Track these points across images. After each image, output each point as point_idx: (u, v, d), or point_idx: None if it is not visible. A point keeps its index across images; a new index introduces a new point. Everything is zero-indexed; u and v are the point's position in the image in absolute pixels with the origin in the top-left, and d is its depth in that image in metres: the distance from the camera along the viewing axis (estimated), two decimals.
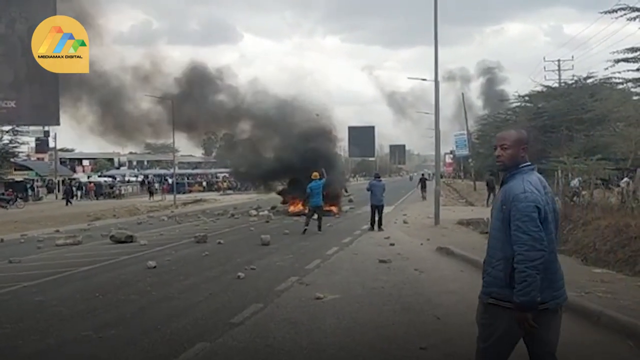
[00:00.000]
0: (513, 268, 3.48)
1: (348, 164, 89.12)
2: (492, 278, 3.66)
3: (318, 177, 19.17)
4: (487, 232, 17.96)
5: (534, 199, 3.51)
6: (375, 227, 18.12)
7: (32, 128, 54.13)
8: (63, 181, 54.27)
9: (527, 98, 49.31)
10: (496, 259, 3.63)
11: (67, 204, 40.30)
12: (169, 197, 42.99)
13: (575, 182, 17.22)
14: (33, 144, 63.73)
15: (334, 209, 25.68)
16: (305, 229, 17.56)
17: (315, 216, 18.54)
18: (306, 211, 24.66)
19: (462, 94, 57.11)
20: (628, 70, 34.44)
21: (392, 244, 14.10)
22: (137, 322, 7.08)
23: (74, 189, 48.22)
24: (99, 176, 61.71)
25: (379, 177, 20.34)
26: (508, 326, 3.59)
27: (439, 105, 21.53)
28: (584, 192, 15.59)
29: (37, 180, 53.70)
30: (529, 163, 3.72)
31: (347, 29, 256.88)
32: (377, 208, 18.43)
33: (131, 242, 15.68)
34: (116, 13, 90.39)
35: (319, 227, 18.11)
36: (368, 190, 19.21)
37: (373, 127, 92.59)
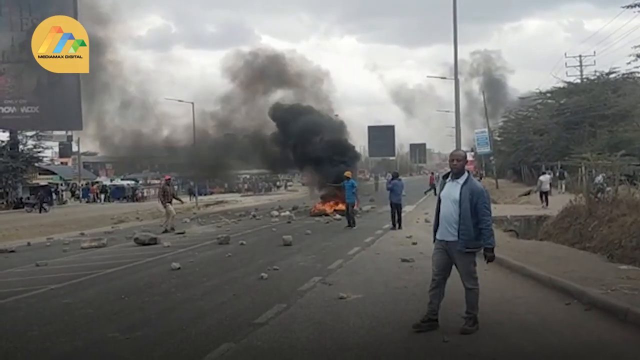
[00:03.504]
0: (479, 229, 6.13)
1: (368, 163, 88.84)
2: (468, 236, 6.10)
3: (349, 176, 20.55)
4: (511, 230, 17.94)
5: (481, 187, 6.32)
6: (398, 225, 18.18)
7: (55, 132, 54.98)
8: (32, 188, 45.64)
9: (548, 95, 48.81)
10: (468, 225, 6.09)
11: (40, 212, 36.78)
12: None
13: (599, 178, 17.03)
14: (57, 149, 64.63)
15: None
16: (348, 225, 19.38)
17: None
18: (328, 212, 25.17)
19: (483, 92, 56.65)
20: None
21: (414, 243, 14.04)
22: (162, 323, 7.15)
23: (53, 193, 45.30)
24: (122, 179, 62.26)
25: (398, 176, 20.47)
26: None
27: (459, 103, 21.53)
28: (608, 189, 15.40)
29: (61, 185, 54.37)
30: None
31: (363, 29, 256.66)
32: (396, 206, 18.50)
33: (155, 244, 15.79)
34: (135, 19, 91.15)
35: (353, 223, 19.48)
36: (388, 189, 19.48)
37: (393, 127, 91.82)
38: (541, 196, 25.66)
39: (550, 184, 26.28)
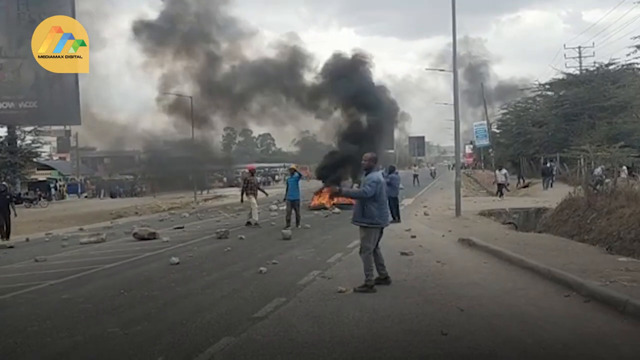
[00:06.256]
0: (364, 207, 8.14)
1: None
2: (357, 214, 8.28)
3: (295, 169, 19.12)
4: (510, 223, 18.07)
5: (376, 179, 8.09)
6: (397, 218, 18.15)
7: (53, 128, 54.95)
8: None
9: (547, 86, 48.74)
10: (358, 206, 8.33)
11: None
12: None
13: (598, 170, 17.04)
14: (55, 144, 64.53)
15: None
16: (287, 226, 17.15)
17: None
18: (327, 205, 24.71)
19: (482, 83, 56.62)
20: None
21: (413, 236, 14.04)
22: (162, 317, 7.16)
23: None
24: (121, 174, 62.17)
25: (395, 170, 20.39)
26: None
27: (458, 96, 21.47)
28: (607, 180, 15.41)
29: (60, 180, 54.31)
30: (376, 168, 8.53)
31: (362, 21, 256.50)
32: (394, 200, 18.42)
33: (154, 239, 15.80)
34: (132, 12, 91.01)
35: (297, 222, 17.72)
36: (387, 184, 19.32)
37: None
38: (498, 188, 28.93)
39: (505, 177, 29.66)
